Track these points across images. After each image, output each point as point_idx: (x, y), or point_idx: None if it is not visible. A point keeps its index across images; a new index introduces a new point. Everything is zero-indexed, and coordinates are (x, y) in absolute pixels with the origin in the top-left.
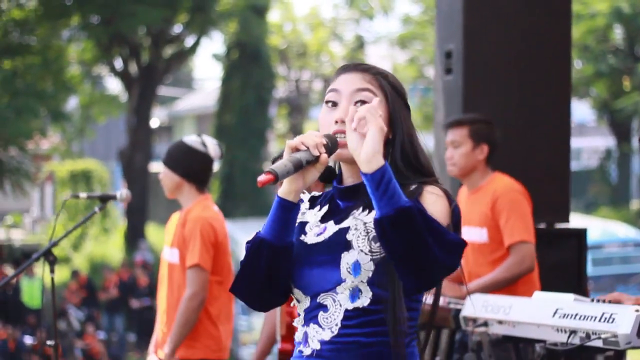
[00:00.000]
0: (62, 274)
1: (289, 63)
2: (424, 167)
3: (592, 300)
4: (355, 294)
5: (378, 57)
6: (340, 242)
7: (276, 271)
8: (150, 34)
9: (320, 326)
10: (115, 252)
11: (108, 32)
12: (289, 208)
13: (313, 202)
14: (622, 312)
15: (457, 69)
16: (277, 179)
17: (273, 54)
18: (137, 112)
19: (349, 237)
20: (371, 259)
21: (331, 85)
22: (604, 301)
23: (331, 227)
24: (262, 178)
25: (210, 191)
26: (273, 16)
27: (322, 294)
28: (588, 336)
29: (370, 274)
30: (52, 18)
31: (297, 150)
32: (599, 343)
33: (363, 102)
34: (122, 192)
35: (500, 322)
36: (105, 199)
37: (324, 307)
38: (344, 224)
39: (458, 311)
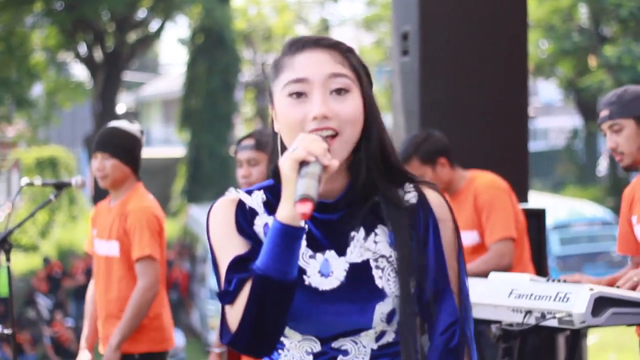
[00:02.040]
0: (31, 261)
1: (255, 47)
2: (397, 164)
3: (548, 280)
4: (382, 334)
5: (344, 39)
6: (370, 290)
7: (284, 313)
8: (114, 19)
9: None
10: (83, 239)
11: (72, 17)
12: (295, 236)
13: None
14: (577, 291)
15: (414, 51)
16: (314, 203)
17: (238, 38)
18: (102, 98)
19: (379, 283)
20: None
21: (288, 69)
22: (563, 281)
23: (338, 262)
24: (305, 209)
25: (177, 176)
26: (238, 0)
27: (340, 339)
28: (543, 316)
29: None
30: (15, 4)
31: (305, 163)
32: (554, 323)
33: (341, 90)
34: (77, 178)
35: None
36: (60, 186)
37: (343, 352)
38: (355, 257)
39: None
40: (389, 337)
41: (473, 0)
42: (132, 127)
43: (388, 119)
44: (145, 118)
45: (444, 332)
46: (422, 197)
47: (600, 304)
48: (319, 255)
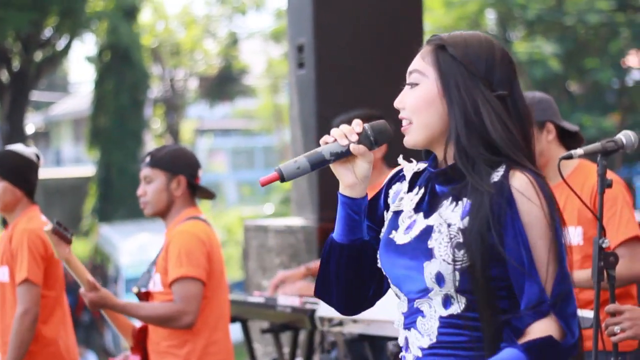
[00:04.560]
0: None
1: (163, 62)
2: (496, 142)
3: None
4: (447, 300)
5: (252, 52)
6: (422, 249)
7: (350, 272)
8: (19, 38)
9: (419, 332)
10: None
11: None
12: (348, 204)
13: (413, 182)
14: None
15: (309, 63)
16: (282, 178)
17: (146, 54)
18: (10, 119)
19: (430, 243)
20: (454, 269)
21: None
22: None
23: (420, 223)
24: (265, 177)
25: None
26: (145, 15)
27: (417, 299)
28: None
29: (457, 284)
30: None
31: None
32: None
33: (412, 84)
34: None
35: (354, 321)
36: None
37: (422, 313)
38: (430, 221)
39: (313, 311)
40: (458, 307)
41: (367, 10)
42: (26, 150)
43: (287, 133)
44: (56, 137)
45: (528, 309)
46: (504, 179)
47: None
48: (414, 216)
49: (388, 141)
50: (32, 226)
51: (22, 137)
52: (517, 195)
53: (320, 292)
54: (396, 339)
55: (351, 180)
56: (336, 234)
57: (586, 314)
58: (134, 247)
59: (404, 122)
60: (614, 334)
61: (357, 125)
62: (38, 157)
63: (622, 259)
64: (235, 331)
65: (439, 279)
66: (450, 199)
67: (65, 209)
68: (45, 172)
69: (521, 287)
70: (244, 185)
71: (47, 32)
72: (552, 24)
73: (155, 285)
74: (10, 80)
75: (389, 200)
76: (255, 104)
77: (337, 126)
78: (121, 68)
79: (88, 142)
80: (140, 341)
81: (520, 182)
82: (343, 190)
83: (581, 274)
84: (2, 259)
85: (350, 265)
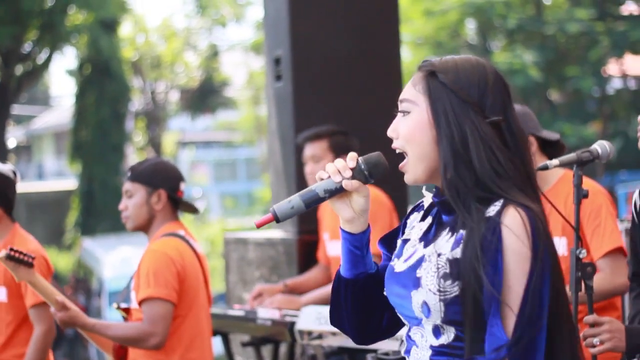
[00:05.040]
0: None
1: (144, 75)
2: (479, 177)
3: None
4: (437, 330)
5: (233, 64)
6: (412, 277)
7: (357, 304)
8: (0, 52)
9: None
10: None
11: None
12: (348, 240)
13: (428, 212)
14: None
15: (287, 76)
16: (277, 219)
17: (126, 66)
18: None
19: (419, 272)
20: (440, 299)
21: None
22: None
23: (419, 252)
24: (260, 219)
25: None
26: (125, 28)
27: (412, 327)
28: None
29: (442, 314)
30: None
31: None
32: None
33: (404, 112)
34: None
35: (334, 333)
36: None
37: (415, 342)
38: (427, 250)
39: (293, 324)
40: (448, 337)
41: (343, 20)
42: (3, 167)
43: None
44: (37, 151)
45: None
46: (498, 215)
47: None
48: (417, 245)
49: (384, 173)
50: (32, 247)
51: (3, 151)
52: (505, 233)
53: (335, 322)
54: (375, 351)
55: (349, 215)
56: (341, 268)
57: None
58: (117, 260)
59: (398, 151)
60: (593, 346)
61: (351, 160)
62: (15, 173)
63: (604, 272)
64: (216, 344)
65: (426, 308)
66: (447, 229)
67: (48, 223)
68: (28, 186)
69: (488, 324)
70: (227, 197)
71: (28, 46)
72: (532, 34)
73: (132, 302)
74: None
75: (406, 230)
76: (236, 115)
77: (302, 143)
78: (102, 81)
79: (70, 156)
80: (121, 356)
81: (511, 220)
82: (343, 225)
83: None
84: (0, 279)
85: (357, 298)
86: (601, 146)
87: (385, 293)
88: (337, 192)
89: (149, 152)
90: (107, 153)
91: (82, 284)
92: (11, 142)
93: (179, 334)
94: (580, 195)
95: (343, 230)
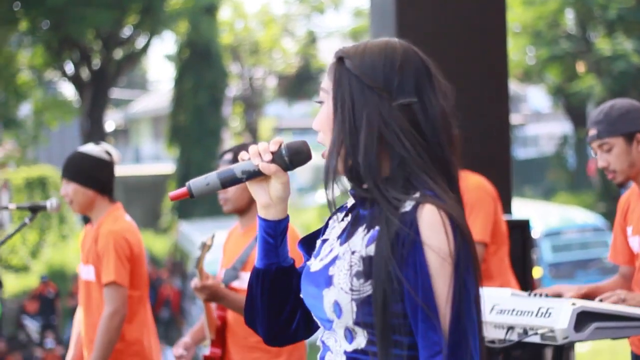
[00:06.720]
0: (22, 282)
1: (242, 61)
2: (360, 168)
3: (530, 295)
4: (349, 333)
5: (331, 51)
6: (325, 276)
7: (266, 298)
8: (100, 36)
9: None
10: (74, 258)
11: (57, 36)
12: (262, 226)
13: (350, 211)
14: (559, 306)
15: None
16: (191, 194)
17: (225, 52)
18: (90, 116)
19: (331, 270)
20: (352, 299)
21: None
22: (545, 295)
23: (335, 250)
24: (174, 192)
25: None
26: (224, 14)
27: (325, 332)
28: (526, 332)
29: (354, 315)
30: (0, 24)
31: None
32: (536, 339)
33: (321, 103)
34: (52, 201)
35: None
36: (35, 210)
37: (329, 348)
38: (342, 248)
39: None
40: (360, 342)
41: (451, 8)
42: (94, 149)
43: None
44: (135, 135)
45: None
46: (414, 210)
47: (583, 319)
48: (334, 243)
49: (305, 162)
50: (117, 227)
51: (101, 135)
52: (423, 230)
53: (248, 320)
54: None
55: (265, 201)
56: (256, 259)
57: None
58: (214, 244)
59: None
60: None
61: (274, 143)
62: (109, 154)
63: None
64: None
65: (337, 308)
66: (364, 225)
67: (145, 206)
68: (125, 170)
69: (418, 330)
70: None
71: (127, 30)
72: (632, 24)
73: (243, 282)
74: (90, 78)
75: (327, 230)
76: None
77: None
78: (200, 66)
79: (167, 140)
80: (221, 335)
81: (429, 217)
82: (259, 210)
83: None
84: (88, 258)
85: (266, 289)
86: None
87: (301, 295)
88: (255, 174)
89: (246, 138)
90: (204, 137)
91: (178, 267)
92: (109, 126)
93: None
94: None
95: (259, 217)
